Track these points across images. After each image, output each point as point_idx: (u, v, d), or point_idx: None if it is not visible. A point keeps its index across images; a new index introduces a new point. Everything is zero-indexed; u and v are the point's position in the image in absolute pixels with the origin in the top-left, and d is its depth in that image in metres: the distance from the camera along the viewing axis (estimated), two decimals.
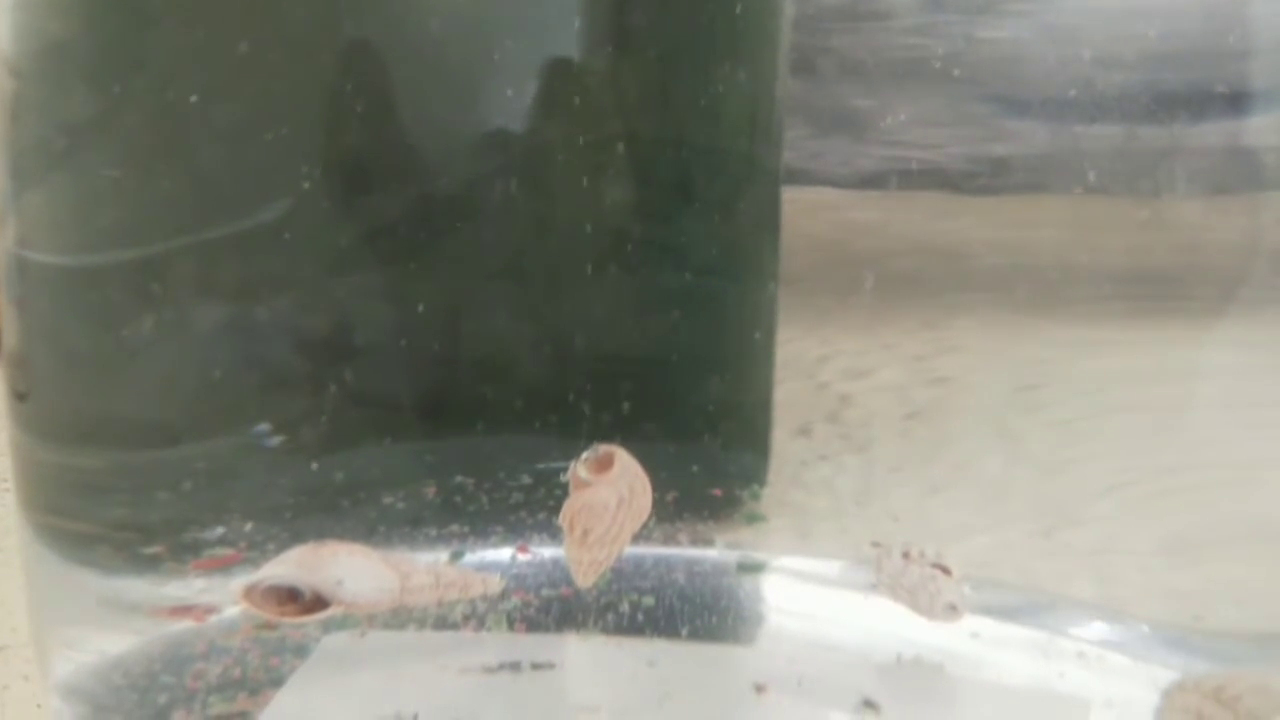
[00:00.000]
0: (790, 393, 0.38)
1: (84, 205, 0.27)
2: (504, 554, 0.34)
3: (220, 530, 0.31)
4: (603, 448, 0.30)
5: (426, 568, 0.28)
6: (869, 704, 0.27)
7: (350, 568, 0.24)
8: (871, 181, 0.43)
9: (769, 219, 0.35)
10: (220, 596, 0.31)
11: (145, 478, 0.30)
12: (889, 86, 0.42)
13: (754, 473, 0.36)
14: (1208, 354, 0.39)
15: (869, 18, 0.42)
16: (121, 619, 0.30)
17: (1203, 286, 0.41)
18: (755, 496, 0.36)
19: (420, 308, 0.29)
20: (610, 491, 0.28)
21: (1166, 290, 0.42)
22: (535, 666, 0.28)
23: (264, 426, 0.30)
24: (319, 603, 0.25)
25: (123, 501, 0.30)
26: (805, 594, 0.34)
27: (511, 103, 0.27)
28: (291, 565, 0.25)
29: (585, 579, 0.28)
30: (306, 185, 0.26)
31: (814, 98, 0.36)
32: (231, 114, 0.26)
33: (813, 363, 0.43)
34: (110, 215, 0.27)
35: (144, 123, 0.26)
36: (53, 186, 0.27)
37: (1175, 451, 0.37)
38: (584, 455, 0.30)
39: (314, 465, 0.30)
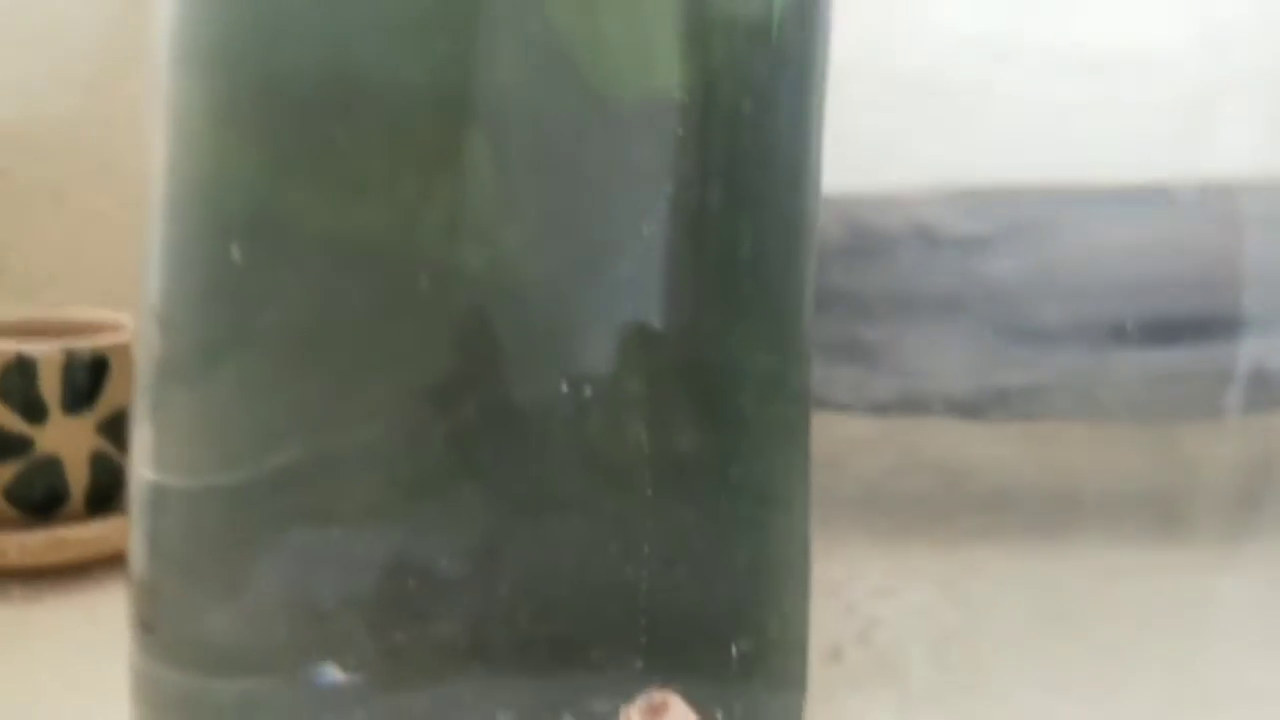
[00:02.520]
0: (817, 613, 0.38)
1: (211, 428, 0.28)
2: None
3: None
4: (656, 694, 0.29)
5: None
6: None
7: None
8: (883, 408, 0.44)
9: (800, 441, 0.36)
10: None
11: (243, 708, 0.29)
12: (895, 318, 0.43)
13: (791, 712, 0.36)
14: (1227, 579, 0.40)
15: (870, 255, 0.43)
16: None
17: (1217, 509, 0.42)
18: None
19: (470, 540, 0.29)
20: None
21: (1179, 511, 0.43)
22: None
23: (330, 664, 0.30)
24: None
25: None
26: None
27: (588, 348, 0.28)
28: None
29: None
30: (397, 407, 0.27)
31: (820, 330, 0.37)
32: (346, 343, 0.26)
33: (837, 583, 0.44)
34: (229, 439, 0.27)
35: (270, 349, 0.27)
36: (185, 410, 0.28)
37: (1206, 680, 0.37)
38: (636, 701, 0.30)
39: (369, 703, 0.30)
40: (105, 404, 0.45)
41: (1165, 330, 0.39)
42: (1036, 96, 0.41)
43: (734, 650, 0.33)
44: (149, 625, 0.28)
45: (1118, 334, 0.39)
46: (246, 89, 0.25)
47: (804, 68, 0.29)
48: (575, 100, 0.26)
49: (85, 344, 0.45)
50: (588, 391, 0.27)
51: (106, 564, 0.44)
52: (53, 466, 0.45)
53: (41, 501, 0.45)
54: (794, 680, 0.36)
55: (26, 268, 0.61)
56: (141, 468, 0.28)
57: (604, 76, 0.26)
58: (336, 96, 0.25)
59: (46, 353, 0.44)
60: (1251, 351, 0.39)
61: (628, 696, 0.30)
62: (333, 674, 0.29)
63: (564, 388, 0.27)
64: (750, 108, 0.28)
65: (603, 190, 0.26)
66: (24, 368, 0.44)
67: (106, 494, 0.46)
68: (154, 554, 0.28)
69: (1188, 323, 0.40)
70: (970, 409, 0.43)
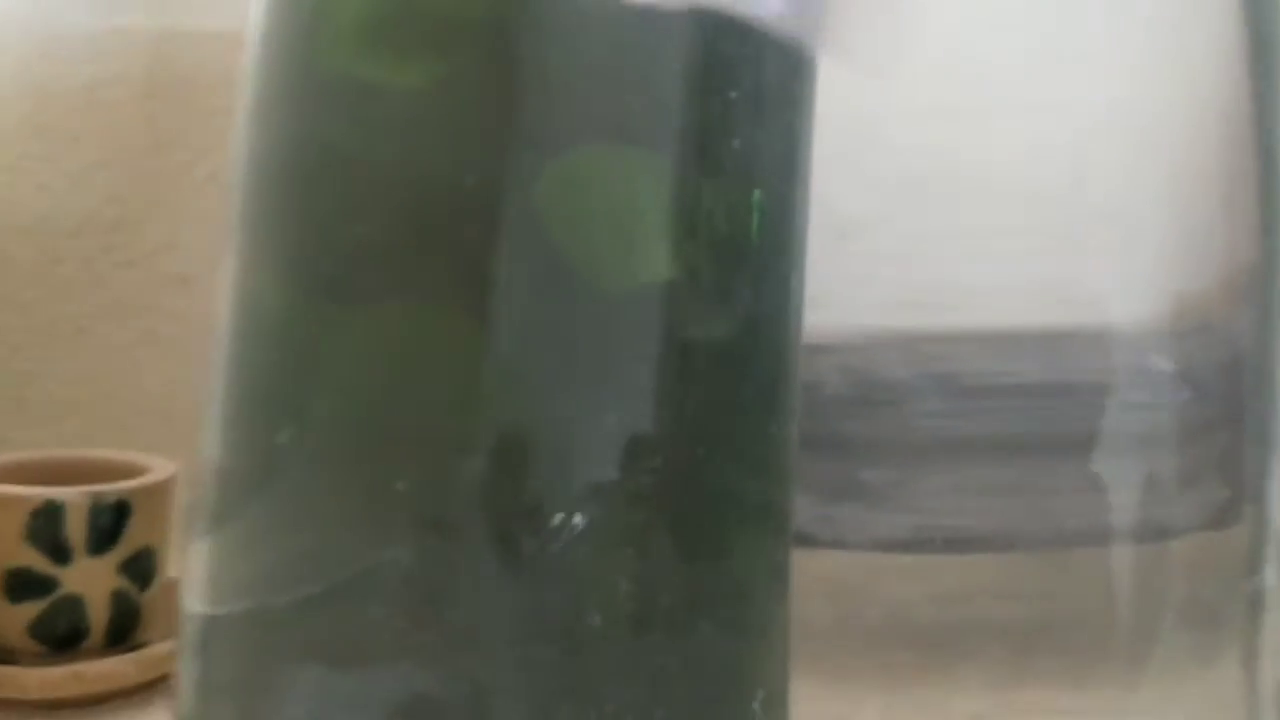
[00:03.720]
0: None
1: (251, 560, 0.29)
2: None
3: None
4: None
5: None
6: None
7: None
8: (890, 546, 0.45)
9: (782, 571, 0.37)
10: None
11: None
12: (909, 462, 0.44)
13: None
14: None
15: (884, 404, 0.44)
16: None
17: None
18: None
19: (471, 670, 0.30)
20: None
21: None
22: None
23: None
24: None
25: None
26: None
27: (579, 487, 0.30)
28: None
29: None
30: (403, 545, 0.29)
31: (822, 472, 0.38)
32: (365, 486, 0.29)
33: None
34: (265, 570, 0.29)
35: (298, 489, 0.29)
36: (231, 544, 0.30)
37: None
38: None
39: None
40: (126, 545, 0.47)
41: None
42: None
43: None
44: None
45: None
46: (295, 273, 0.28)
47: (782, 246, 0.32)
48: (569, 290, 0.29)
49: (110, 488, 0.47)
50: (579, 521, 0.30)
51: (123, 697, 0.46)
52: (75, 605, 0.47)
53: (63, 638, 0.47)
54: None
55: (48, 399, 0.63)
56: (191, 602, 0.30)
57: (595, 270, 0.29)
58: (360, 284, 0.28)
59: (73, 497, 0.46)
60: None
61: None
62: None
63: (557, 520, 0.29)
64: (732, 283, 0.30)
65: (594, 357, 0.29)
66: (52, 512, 0.46)
67: (123, 630, 0.48)
68: (199, 686, 0.30)
69: None
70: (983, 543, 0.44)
